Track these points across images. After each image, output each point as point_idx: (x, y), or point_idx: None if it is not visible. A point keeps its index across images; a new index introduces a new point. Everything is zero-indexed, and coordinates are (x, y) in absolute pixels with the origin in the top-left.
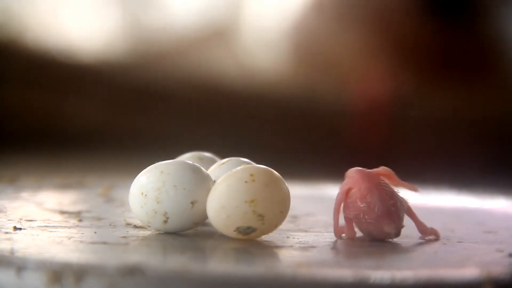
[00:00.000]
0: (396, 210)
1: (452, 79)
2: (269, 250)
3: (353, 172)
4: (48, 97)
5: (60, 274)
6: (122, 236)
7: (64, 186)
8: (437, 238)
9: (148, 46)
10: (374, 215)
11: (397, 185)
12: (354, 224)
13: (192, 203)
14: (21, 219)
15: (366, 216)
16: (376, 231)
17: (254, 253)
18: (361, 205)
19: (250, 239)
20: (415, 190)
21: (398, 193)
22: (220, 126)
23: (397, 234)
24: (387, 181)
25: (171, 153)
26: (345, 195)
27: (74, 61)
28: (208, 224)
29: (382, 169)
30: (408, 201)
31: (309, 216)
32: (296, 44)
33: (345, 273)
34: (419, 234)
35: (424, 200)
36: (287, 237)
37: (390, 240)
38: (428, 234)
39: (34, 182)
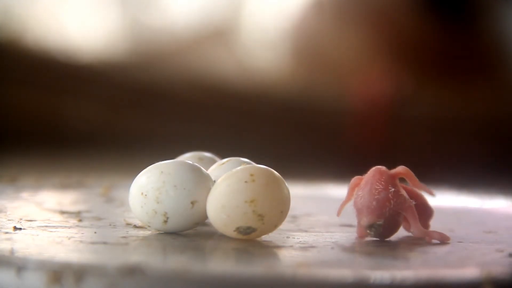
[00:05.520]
0: (377, 205)
1: (452, 79)
2: (269, 250)
3: (372, 168)
4: (48, 97)
5: (60, 274)
6: (122, 236)
7: (64, 186)
8: (443, 242)
9: (148, 46)
10: (357, 206)
11: (414, 185)
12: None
13: (192, 203)
14: (21, 219)
15: (355, 208)
16: (359, 230)
17: (254, 253)
18: (354, 196)
19: (250, 239)
20: (431, 193)
21: (400, 194)
22: (220, 126)
23: (371, 228)
24: (406, 181)
25: (171, 153)
26: (357, 181)
27: (74, 61)
28: (208, 224)
29: (401, 168)
30: (412, 202)
31: (309, 216)
32: (296, 44)
33: (345, 273)
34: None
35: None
36: (287, 237)
37: (389, 240)
38: (424, 236)
39: (34, 182)
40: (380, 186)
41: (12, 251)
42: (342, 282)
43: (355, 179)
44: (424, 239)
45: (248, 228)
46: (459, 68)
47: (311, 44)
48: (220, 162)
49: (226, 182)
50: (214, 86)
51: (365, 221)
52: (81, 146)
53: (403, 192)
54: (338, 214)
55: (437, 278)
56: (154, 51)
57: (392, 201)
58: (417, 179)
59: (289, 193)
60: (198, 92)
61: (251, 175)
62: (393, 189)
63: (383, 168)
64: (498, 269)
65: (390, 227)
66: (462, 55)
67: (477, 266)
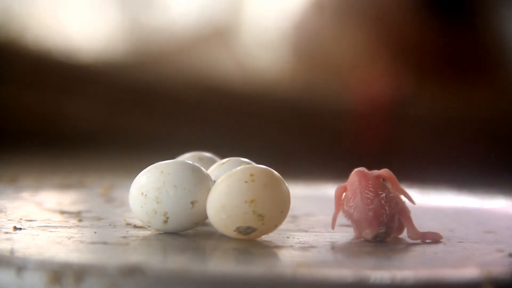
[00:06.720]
0: (374, 215)
1: (452, 79)
2: (269, 250)
3: (353, 172)
4: (48, 97)
5: (60, 274)
6: (122, 236)
7: (64, 186)
8: (435, 241)
9: (148, 46)
10: (354, 218)
11: (396, 189)
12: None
13: (192, 203)
14: (21, 219)
15: (349, 220)
16: (357, 234)
17: (254, 253)
18: (346, 208)
19: (250, 239)
20: (412, 201)
21: (391, 196)
22: (220, 126)
23: (376, 238)
24: (388, 183)
25: (171, 153)
26: (342, 190)
27: (74, 61)
28: (208, 224)
29: (384, 171)
30: (403, 203)
31: (309, 216)
32: (296, 44)
33: (345, 273)
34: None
35: (424, 200)
36: (287, 237)
37: (388, 240)
38: (420, 239)
39: (34, 182)
40: (370, 193)
41: (12, 251)
42: (342, 282)
43: (339, 188)
44: (421, 240)
45: (248, 228)
46: (459, 68)
47: (311, 44)
48: (220, 162)
49: (226, 182)
50: (214, 86)
51: (368, 233)
52: (81, 146)
53: (394, 193)
54: (333, 227)
55: (437, 278)
56: (154, 51)
57: (386, 207)
58: (399, 184)
59: (289, 193)
60: (198, 92)
61: (251, 175)
62: (383, 194)
63: (365, 170)
64: (498, 269)
65: (389, 230)
66: (462, 55)
67: (477, 266)
